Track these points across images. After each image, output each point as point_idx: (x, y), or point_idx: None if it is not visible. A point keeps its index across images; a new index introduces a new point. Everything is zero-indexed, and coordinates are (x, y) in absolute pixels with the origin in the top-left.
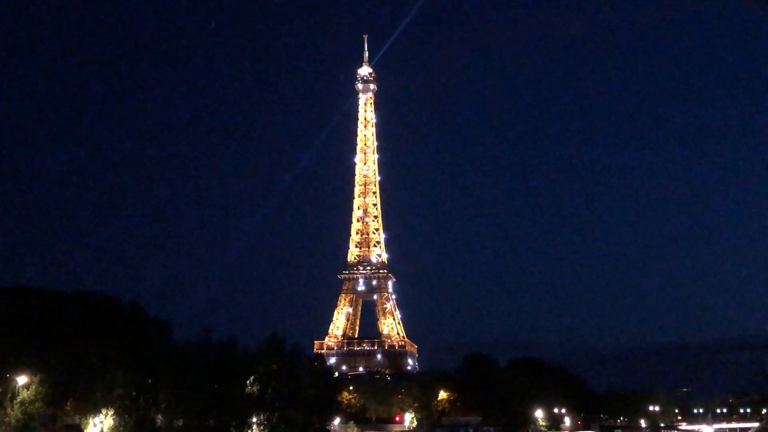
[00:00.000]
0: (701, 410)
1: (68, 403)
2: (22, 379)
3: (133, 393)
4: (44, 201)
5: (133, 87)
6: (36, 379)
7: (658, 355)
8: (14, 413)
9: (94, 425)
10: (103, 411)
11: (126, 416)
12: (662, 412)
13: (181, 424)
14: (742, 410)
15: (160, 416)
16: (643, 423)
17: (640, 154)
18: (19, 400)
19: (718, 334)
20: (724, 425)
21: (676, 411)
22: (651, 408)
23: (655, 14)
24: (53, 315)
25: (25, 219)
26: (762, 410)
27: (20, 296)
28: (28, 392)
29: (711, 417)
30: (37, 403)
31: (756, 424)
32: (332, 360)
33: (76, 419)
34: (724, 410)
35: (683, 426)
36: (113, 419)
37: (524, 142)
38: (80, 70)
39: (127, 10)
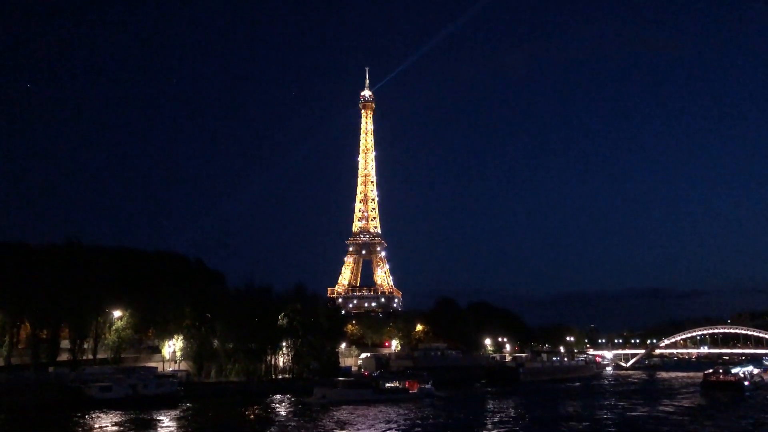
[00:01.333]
0: (604, 340)
1: (150, 331)
2: (117, 313)
3: (197, 324)
4: (117, 173)
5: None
6: (127, 313)
7: (574, 300)
8: (111, 337)
9: (169, 347)
10: (175, 337)
11: (191, 340)
12: (576, 342)
13: (231, 347)
14: (633, 341)
15: (216, 341)
16: (562, 349)
17: (586, 120)
18: (114, 328)
19: (618, 285)
20: (620, 351)
21: (586, 341)
22: (568, 338)
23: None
24: (140, 267)
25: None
26: (647, 341)
27: (116, 254)
28: (121, 322)
29: (610, 345)
30: (127, 330)
31: (642, 351)
32: (340, 301)
33: (156, 342)
34: (621, 341)
35: (591, 351)
36: (182, 342)
37: (482, 131)
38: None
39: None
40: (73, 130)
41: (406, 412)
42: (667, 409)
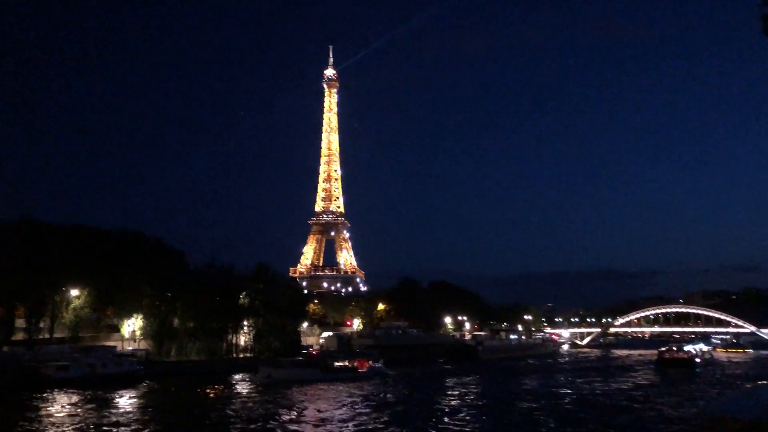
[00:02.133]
0: (561, 319)
1: (109, 309)
2: (74, 292)
3: (157, 303)
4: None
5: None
6: (85, 292)
7: (533, 279)
8: (68, 316)
9: (128, 325)
10: (135, 315)
11: (151, 319)
12: (533, 320)
13: (192, 325)
14: (589, 320)
15: (176, 320)
16: (520, 327)
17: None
18: (72, 306)
19: (575, 265)
20: (576, 330)
21: (543, 320)
22: (526, 317)
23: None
24: (100, 246)
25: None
26: (602, 320)
27: (74, 232)
28: (79, 301)
29: (567, 324)
30: (85, 309)
31: (598, 330)
32: (303, 281)
33: (115, 321)
34: (577, 320)
35: (548, 330)
36: (142, 321)
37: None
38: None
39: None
40: (26, 106)
41: (357, 391)
42: (623, 385)
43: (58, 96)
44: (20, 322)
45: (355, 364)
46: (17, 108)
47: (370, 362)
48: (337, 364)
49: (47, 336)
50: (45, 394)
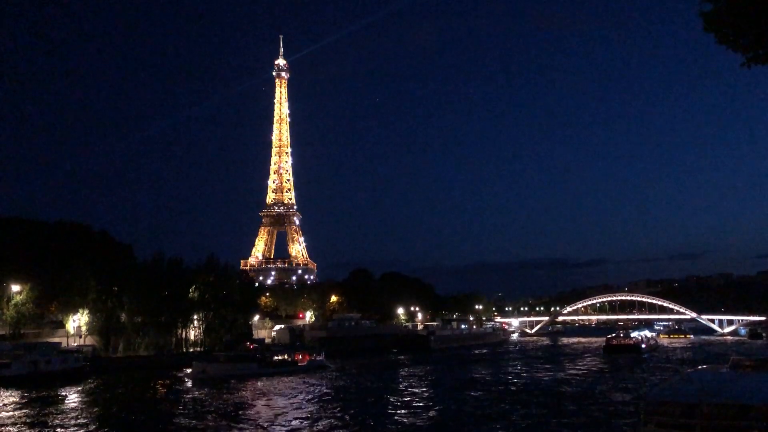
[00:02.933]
0: (510, 308)
1: (53, 305)
2: (16, 287)
3: (103, 297)
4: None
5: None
6: (27, 287)
7: (483, 269)
8: (10, 312)
9: (74, 321)
10: (80, 311)
11: (97, 314)
12: (484, 310)
13: (140, 320)
14: (537, 308)
15: (123, 315)
16: (471, 317)
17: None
18: (13, 302)
19: (524, 256)
20: (525, 318)
21: (494, 309)
22: (476, 306)
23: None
24: (42, 239)
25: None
26: (551, 308)
27: (15, 224)
28: (21, 296)
29: (517, 313)
30: (28, 305)
31: (546, 318)
32: (254, 274)
33: (59, 317)
34: (526, 309)
35: (498, 319)
36: (88, 316)
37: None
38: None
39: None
40: None
41: (300, 385)
42: (572, 371)
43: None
44: None
45: (295, 357)
46: None
47: (311, 355)
48: (276, 358)
49: None
50: None
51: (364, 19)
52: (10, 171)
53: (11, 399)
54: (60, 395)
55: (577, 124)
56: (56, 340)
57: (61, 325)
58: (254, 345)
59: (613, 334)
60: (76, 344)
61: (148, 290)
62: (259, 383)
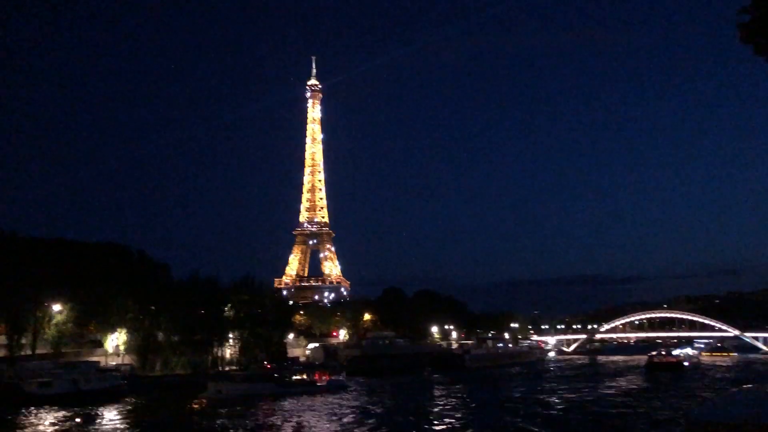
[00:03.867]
0: (547, 326)
1: (92, 324)
2: (57, 307)
3: (141, 316)
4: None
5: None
6: (67, 307)
7: (518, 287)
8: (50, 331)
9: (112, 340)
10: (118, 330)
11: (135, 333)
12: (520, 328)
13: (176, 339)
14: (574, 326)
15: (160, 333)
16: (506, 335)
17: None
18: (54, 322)
19: (559, 272)
20: (562, 336)
21: (529, 327)
22: (512, 324)
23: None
24: (82, 259)
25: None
26: (588, 326)
27: (55, 246)
28: (62, 316)
29: (553, 331)
30: (68, 324)
31: (584, 336)
32: (288, 292)
33: (98, 336)
34: (563, 326)
35: (534, 337)
36: (126, 335)
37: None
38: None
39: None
40: (3, 118)
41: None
42: (613, 390)
43: (36, 106)
44: (1, 339)
45: (315, 376)
46: None
47: (332, 375)
48: (294, 377)
49: (29, 352)
50: (27, 411)
51: (400, 37)
52: (51, 193)
53: (53, 418)
54: (98, 414)
55: (613, 136)
56: (95, 358)
57: (100, 344)
58: (271, 364)
59: (655, 352)
60: (114, 363)
61: (184, 309)
62: (285, 403)
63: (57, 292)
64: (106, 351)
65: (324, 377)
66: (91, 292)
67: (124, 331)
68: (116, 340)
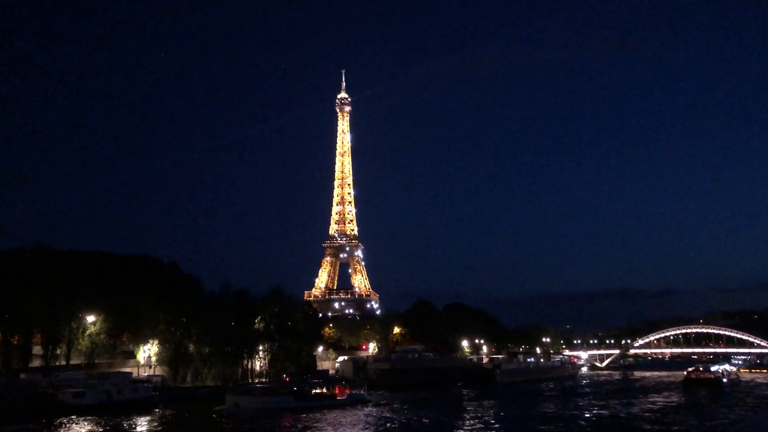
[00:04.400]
0: (579, 341)
1: (124, 336)
2: (90, 318)
3: (172, 328)
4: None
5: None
6: (101, 318)
7: (550, 301)
8: (84, 342)
9: (144, 351)
10: (150, 341)
11: (167, 345)
12: (551, 342)
13: (207, 351)
14: (608, 341)
15: (191, 345)
16: (538, 350)
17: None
18: (87, 333)
19: (592, 286)
20: (595, 351)
21: (562, 342)
22: (544, 339)
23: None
24: (114, 271)
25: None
26: (621, 341)
27: (89, 258)
28: (95, 328)
29: (585, 346)
30: (101, 335)
31: (617, 351)
32: (317, 304)
33: (131, 347)
34: (595, 341)
35: (567, 352)
36: (157, 347)
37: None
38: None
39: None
40: (41, 132)
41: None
42: (649, 406)
43: (72, 120)
44: (37, 349)
45: (335, 390)
46: (31, 134)
47: (352, 389)
48: (314, 391)
49: (63, 362)
50: (62, 421)
51: (426, 54)
52: (83, 206)
53: (87, 427)
54: (131, 424)
55: (647, 148)
56: (127, 369)
57: (132, 355)
58: (289, 377)
59: (693, 368)
60: (146, 374)
61: (215, 321)
62: (302, 417)
63: (91, 304)
64: (138, 362)
65: (345, 391)
66: (124, 304)
67: (155, 342)
68: (148, 351)
